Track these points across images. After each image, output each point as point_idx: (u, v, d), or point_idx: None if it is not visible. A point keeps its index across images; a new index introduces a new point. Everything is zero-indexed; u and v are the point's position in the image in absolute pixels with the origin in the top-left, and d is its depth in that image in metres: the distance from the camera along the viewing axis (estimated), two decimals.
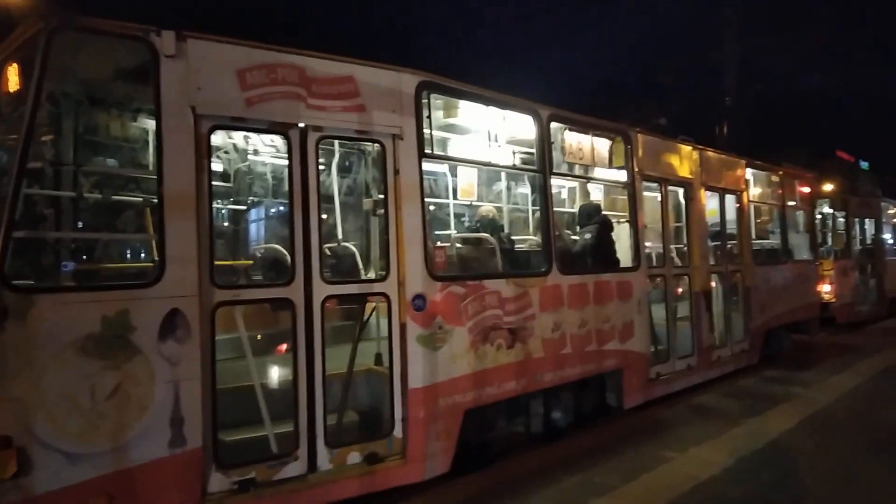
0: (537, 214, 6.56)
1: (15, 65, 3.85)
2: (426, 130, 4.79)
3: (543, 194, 5.77)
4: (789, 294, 10.19)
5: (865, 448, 5.44)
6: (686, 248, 8.09)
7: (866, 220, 15.71)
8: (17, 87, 3.86)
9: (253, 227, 5.29)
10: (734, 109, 19.53)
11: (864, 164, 19.52)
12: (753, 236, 9.75)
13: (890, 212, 17.38)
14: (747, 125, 20.05)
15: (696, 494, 4.52)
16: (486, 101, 5.46)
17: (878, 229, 15.99)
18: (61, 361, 3.35)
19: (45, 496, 3.30)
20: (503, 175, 7.09)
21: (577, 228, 6.79)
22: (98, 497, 3.45)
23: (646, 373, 6.85)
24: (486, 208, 6.16)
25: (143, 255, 4.77)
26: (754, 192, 9.82)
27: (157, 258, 3.68)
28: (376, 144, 4.61)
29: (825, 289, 13.47)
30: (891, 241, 16.98)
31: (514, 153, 6.08)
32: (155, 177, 3.71)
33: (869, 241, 15.70)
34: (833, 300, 13.69)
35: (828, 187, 14.43)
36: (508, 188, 7.42)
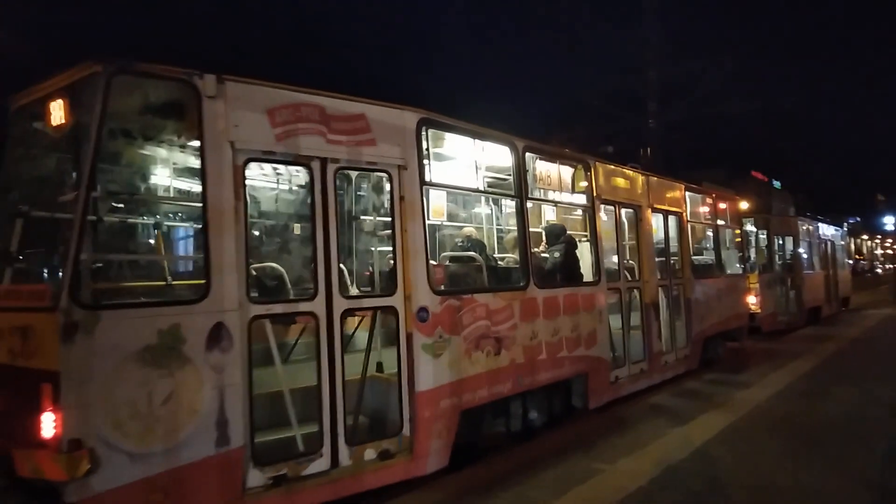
0: (512, 234, 7.21)
1: (61, 100, 4.23)
2: (425, 161, 5.38)
3: (521, 217, 6.44)
4: (723, 305, 11.24)
5: (803, 438, 6.25)
6: (636, 264, 8.92)
7: (786, 238, 17.23)
8: (64, 120, 4.24)
9: (280, 248, 5.69)
10: (657, 132, 20.82)
11: (777, 184, 21.20)
12: (692, 253, 10.74)
13: (804, 229, 19.05)
14: (667, 146, 21.47)
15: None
16: (473, 135, 6.10)
17: (796, 246, 17.53)
18: (123, 371, 3.74)
19: (111, 492, 3.66)
20: (483, 199, 7.73)
21: (545, 247, 7.48)
22: (155, 493, 3.83)
23: (608, 376, 7.59)
24: (469, 229, 6.78)
25: (191, 273, 5.11)
26: (691, 212, 10.82)
27: (203, 277, 4.11)
28: (384, 174, 5.16)
29: (751, 300, 14.73)
30: (806, 257, 18.59)
31: (494, 180, 6.72)
32: (200, 204, 4.15)
33: (788, 257, 17.21)
34: (758, 311, 14.99)
35: (744, 205, 15.77)
36: (490, 210, 8.07)
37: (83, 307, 3.63)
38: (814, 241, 19.57)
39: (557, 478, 5.31)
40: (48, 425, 3.58)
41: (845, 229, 29.91)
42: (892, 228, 53.07)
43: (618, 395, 7.80)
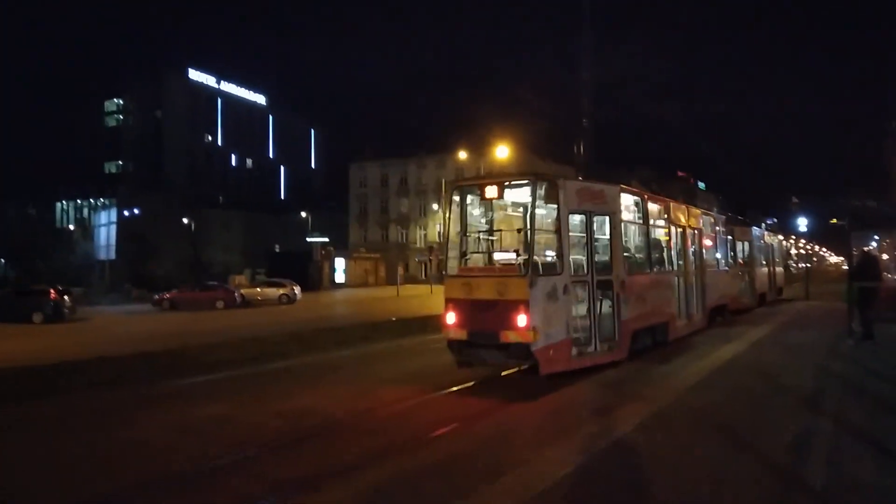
0: (640, 242, 13.01)
1: (496, 187, 9.78)
2: (621, 210, 11.10)
3: (646, 234, 12.24)
4: (719, 288, 17.41)
5: (785, 350, 12.31)
6: (682, 261, 14.84)
7: (744, 241, 23.72)
8: (496, 196, 9.80)
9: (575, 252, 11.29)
10: (590, 131, 21.51)
11: (702, 185, 26.67)
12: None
13: (755, 234, 25.60)
14: (599, 146, 23.92)
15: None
16: (626, 191, 11.84)
17: (751, 247, 24.07)
18: (543, 300, 9.33)
19: (542, 348, 9.25)
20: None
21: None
22: (550, 350, 9.42)
23: (676, 324, 13.51)
24: None
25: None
26: (704, 226, 16.82)
27: (560, 263, 9.72)
28: (608, 216, 10.83)
29: None
30: (757, 256, 25.16)
31: (631, 213, 12.51)
32: (559, 232, 9.77)
33: (745, 256, 23.71)
34: None
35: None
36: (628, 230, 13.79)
37: (535, 275, 9.23)
38: (761, 245, 26.19)
39: (687, 359, 11.11)
40: (523, 320, 9.15)
41: (776, 234, 37.17)
42: (805, 230, 59.44)
43: (679, 336, 13.73)
